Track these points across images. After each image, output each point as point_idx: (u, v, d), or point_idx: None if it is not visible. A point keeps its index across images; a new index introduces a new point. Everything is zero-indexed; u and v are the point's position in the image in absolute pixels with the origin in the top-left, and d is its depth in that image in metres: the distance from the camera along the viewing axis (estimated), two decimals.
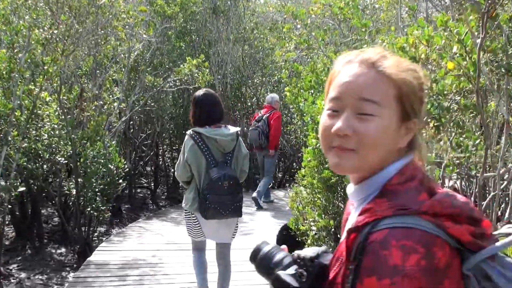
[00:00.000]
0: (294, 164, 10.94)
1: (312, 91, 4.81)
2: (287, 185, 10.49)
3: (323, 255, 1.06)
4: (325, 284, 1.02)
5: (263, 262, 1.11)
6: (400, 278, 0.85)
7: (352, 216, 1.08)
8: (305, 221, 4.24)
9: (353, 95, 0.99)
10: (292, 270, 1.05)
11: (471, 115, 3.28)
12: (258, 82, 11.22)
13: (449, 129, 3.14)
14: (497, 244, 0.95)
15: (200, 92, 3.71)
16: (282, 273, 1.05)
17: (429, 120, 3.07)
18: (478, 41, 2.65)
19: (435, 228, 0.90)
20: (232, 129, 3.63)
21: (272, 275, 1.07)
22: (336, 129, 0.98)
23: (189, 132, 3.61)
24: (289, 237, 4.87)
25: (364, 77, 1.00)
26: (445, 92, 3.09)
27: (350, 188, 1.08)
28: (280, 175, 11.55)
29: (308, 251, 1.07)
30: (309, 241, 4.05)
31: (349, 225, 1.07)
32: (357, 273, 0.89)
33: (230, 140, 3.56)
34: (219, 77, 10.47)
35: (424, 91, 1.04)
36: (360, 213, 0.98)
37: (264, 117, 7.68)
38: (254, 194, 7.93)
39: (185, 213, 3.73)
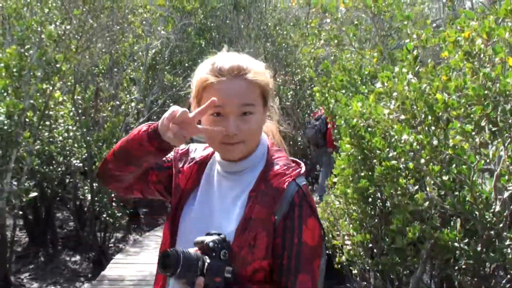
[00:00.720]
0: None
1: (344, 91, 4.39)
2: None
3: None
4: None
5: (188, 263, 1.15)
6: (318, 215, 1.30)
7: (219, 181, 1.38)
8: (338, 235, 3.83)
9: (236, 103, 1.27)
10: (210, 256, 1.18)
11: None
12: (280, 81, 10.83)
13: (508, 134, 2.72)
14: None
15: None
16: (211, 261, 1.17)
17: (483, 124, 2.68)
18: None
19: None
20: None
21: (197, 271, 1.15)
22: (229, 132, 1.27)
23: None
24: None
25: (240, 87, 1.28)
26: (507, 93, 2.67)
27: (226, 163, 1.36)
28: None
29: (212, 236, 1.20)
30: (343, 258, 3.64)
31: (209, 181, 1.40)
32: (300, 218, 1.25)
33: None
34: None
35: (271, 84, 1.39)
36: (271, 177, 1.30)
37: (322, 117, 7.75)
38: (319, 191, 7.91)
39: None
